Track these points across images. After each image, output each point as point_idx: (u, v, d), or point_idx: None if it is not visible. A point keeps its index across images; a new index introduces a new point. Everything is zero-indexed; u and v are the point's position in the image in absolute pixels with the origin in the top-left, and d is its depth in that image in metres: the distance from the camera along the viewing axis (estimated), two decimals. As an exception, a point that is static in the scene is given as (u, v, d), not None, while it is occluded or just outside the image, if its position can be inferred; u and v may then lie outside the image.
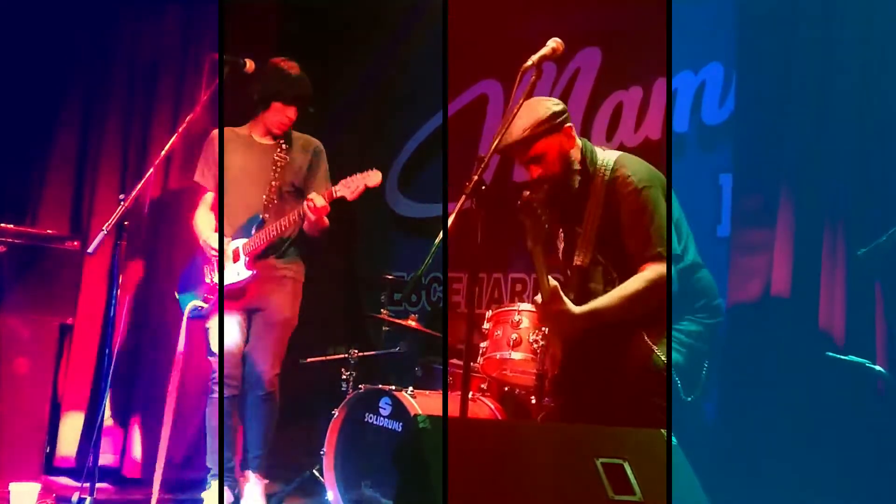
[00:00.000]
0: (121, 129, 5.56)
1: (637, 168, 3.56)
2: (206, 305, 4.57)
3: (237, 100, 4.66)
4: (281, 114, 4.61)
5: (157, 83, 5.55)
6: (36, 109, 5.46)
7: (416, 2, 5.84)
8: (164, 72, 5.55)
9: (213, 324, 4.55)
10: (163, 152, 4.46)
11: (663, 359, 3.47)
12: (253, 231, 4.55)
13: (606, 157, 3.61)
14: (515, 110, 3.38)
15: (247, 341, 4.64)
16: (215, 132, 4.60)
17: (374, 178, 4.48)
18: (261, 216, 4.56)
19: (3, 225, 4.82)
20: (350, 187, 4.47)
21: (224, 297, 4.49)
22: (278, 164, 4.63)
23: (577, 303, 3.47)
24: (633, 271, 3.48)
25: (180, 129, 4.44)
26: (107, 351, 4.18)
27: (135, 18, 5.59)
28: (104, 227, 4.09)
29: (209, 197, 4.71)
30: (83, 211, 5.52)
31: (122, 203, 4.14)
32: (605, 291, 3.54)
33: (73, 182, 5.55)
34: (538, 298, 3.47)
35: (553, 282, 3.42)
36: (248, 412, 4.62)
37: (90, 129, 5.60)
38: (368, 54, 6.12)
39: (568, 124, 3.58)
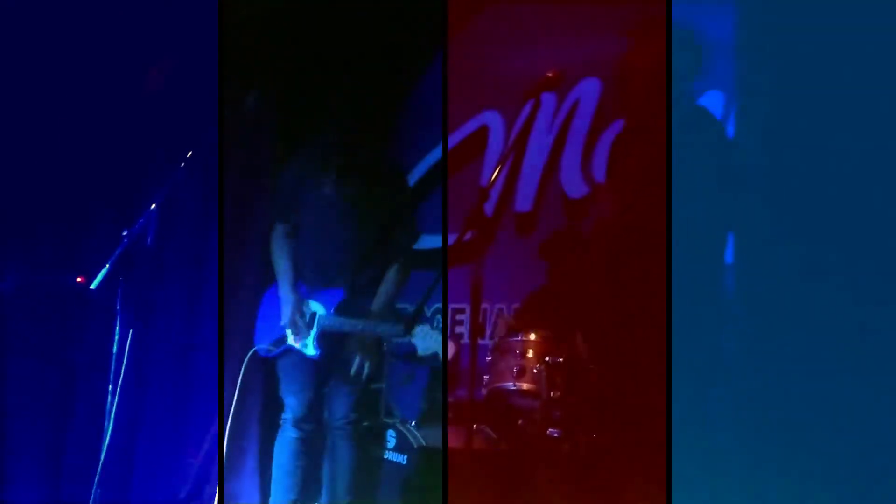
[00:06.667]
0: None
1: None
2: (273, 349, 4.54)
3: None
4: None
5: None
6: (38, 144, 5.48)
7: (415, 34, 5.86)
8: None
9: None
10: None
11: None
12: (332, 309, 4.46)
13: None
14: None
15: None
16: None
17: None
18: (344, 293, 4.50)
19: (6, 261, 4.84)
20: None
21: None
22: None
23: None
24: None
25: (183, 163, 4.47)
26: (110, 388, 4.18)
27: (135, 50, 5.62)
28: (107, 263, 4.11)
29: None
30: (86, 246, 5.52)
31: (124, 238, 4.16)
32: None
33: (75, 217, 5.57)
34: None
35: None
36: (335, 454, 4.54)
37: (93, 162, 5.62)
38: (367, 86, 6.14)
39: None
